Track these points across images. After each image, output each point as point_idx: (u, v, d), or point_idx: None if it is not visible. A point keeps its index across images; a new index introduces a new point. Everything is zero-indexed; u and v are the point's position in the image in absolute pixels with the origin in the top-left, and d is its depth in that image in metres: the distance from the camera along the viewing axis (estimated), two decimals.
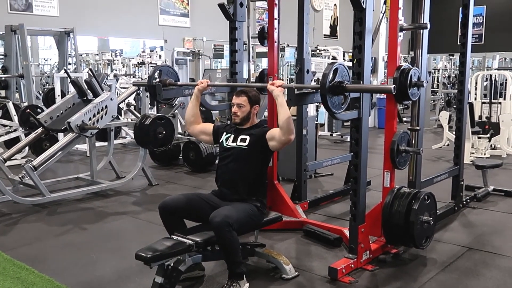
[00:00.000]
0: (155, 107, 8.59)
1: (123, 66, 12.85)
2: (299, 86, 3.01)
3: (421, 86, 3.64)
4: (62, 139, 5.30)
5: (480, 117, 8.18)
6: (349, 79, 2.94)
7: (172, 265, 3.01)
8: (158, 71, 3.78)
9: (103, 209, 5.04)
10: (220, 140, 3.47)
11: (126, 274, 3.42)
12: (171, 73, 3.84)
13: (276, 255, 3.47)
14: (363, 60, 3.32)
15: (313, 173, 6.37)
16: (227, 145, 3.41)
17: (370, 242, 3.77)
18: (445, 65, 15.32)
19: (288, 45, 14.59)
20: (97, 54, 12.02)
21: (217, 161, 4.99)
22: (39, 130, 5.57)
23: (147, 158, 7.01)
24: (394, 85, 2.80)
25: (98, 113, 5.31)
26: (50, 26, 10.57)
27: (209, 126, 3.63)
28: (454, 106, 11.40)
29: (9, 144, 7.44)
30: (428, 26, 3.69)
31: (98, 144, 7.65)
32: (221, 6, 3.92)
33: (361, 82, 3.33)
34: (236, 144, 3.36)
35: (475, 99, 8.45)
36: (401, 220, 3.55)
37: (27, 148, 7.05)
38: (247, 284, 3.18)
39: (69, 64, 10.71)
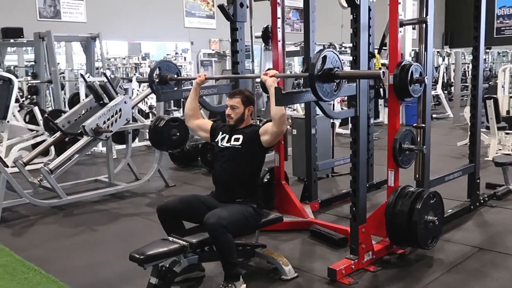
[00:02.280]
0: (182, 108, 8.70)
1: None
2: (284, 75, 2.99)
3: (423, 82, 3.55)
4: (77, 142, 5.42)
5: (508, 112, 7.89)
6: (340, 65, 2.89)
7: (167, 266, 3.04)
8: (158, 68, 3.83)
9: (117, 210, 5.14)
10: (216, 140, 3.48)
11: (129, 276, 3.47)
12: (171, 68, 3.88)
13: (276, 256, 3.46)
14: (358, 57, 3.26)
15: (330, 172, 6.31)
16: (222, 145, 3.42)
17: (375, 242, 3.71)
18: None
19: (315, 43, 14.51)
20: (124, 58, 12.23)
21: None
22: (57, 134, 5.73)
23: (167, 160, 7.15)
24: (382, 71, 2.75)
25: (112, 116, 5.41)
26: (78, 32, 10.84)
27: (207, 123, 3.63)
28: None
29: (36, 147, 7.68)
30: (429, 20, 3.59)
31: (119, 147, 7.84)
32: (220, 7, 3.93)
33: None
34: (230, 144, 3.37)
35: (503, 93, 8.17)
36: (404, 220, 3.48)
37: (53, 151, 7.29)
38: (244, 285, 3.17)
39: (97, 68, 10.98)
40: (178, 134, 5.57)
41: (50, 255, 3.96)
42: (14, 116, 7.46)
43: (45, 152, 7.06)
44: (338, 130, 9.76)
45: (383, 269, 3.46)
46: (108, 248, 4.11)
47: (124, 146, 7.01)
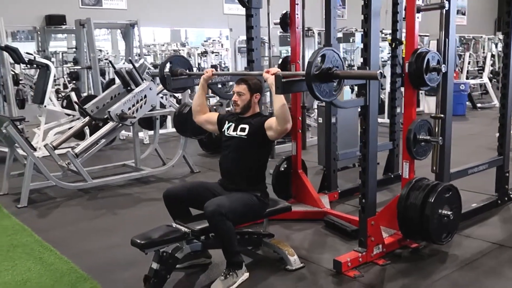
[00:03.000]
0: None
1: (189, 56, 13.18)
2: (285, 74, 2.91)
3: (440, 71, 3.39)
4: (103, 128, 5.55)
5: None
6: (341, 64, 2.79)
7: (170, 252, 3.07)
8: (169, 62, 3.84)
9: (140, 195, 5.24)
10: (223, 129, 3.46)
11: (139, 260, 3.49)
12: (183, 63, 3.88)
13: (282, 245, 3.42)
14: (369, 45, 3.15)
15: (358, 162, 6.18)
16: (228, 134, 3.39)
17: (388, 235, 3.62)
18: None
19: (356, 30, 14.19)
20: (163, 45, 12.39)
21: None
22: (86, 119, 5.88)
23: (196, 146, 7.22)
24: (380, 71, 2.63)
25: (137, 102, 5.50)
26: (119, 19, 11.06)
27: (214, 115, 3.63)
28: None
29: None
30: (447, 6, 3.41)
31: (151, 132, 7.97)
32: None
33: (368, 68, 3.17)
34: (236, 134, 3.34)
35: None
36: (416, 213, 3.36)
37: (88, 136, 7.49)
38: (247, 274, 3.17)
39: (138, 55, 11.17)
40: None
41: (68, 237, 4.08)
42: (51, 101, 7.71)
43: (82, 136, 7.27)
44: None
45: (393, 263, 3.37)
46: (125, 232, 4.17)
47: (161, 131, 7.13)
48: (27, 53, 7.36)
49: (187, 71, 3.94)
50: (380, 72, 2.61)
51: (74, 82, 10.56)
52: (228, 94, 5.17)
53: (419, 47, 3.45)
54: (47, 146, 5.53)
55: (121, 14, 11.78)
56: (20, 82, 9.45)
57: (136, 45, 10.69)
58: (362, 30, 3.16)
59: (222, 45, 11.96)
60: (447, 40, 3.64)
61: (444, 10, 3.50)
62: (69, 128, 7.78)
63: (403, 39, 4.85)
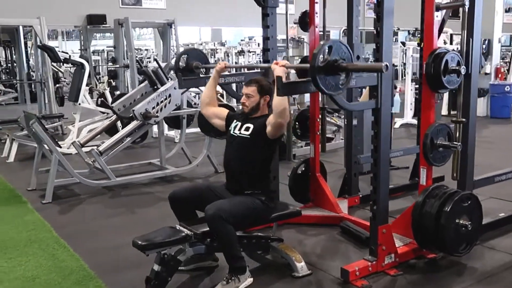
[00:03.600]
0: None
1: (227, 55, 13.21)
2: (290, 66, 2.82)
3: (460, 73, 3.20)
4: (127, 126, 5.61)
5: None
6: (349, 57, 2.68)
7: (172, 254, 3.04)
8: (185, 55, 3.82)
9: (161, 194, 5.25)
10: (229, 128, 3.40)
11: (146, 260, 3.49)
12: (198, 55, 3.85)
13: (290, 251, 3.33)
14: (381, 46, 3.00)
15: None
16: (233, 133, 3.33)
17: (403, 244, 3.46)
18: None
19: (398, 29, 13.83)
20: (201, 44, 12.47)
21: None
22: (113, 117, 5.97)
23: (221, 146, 7.18)
24: (385, 63, 2.51)
25: (162, 101, 5.52)
26: (158, 19, 11.19)
27: (223, 111, 3.54)
28: None
29: (108, 129, 8.08)
30: (467, 3, 3.22)
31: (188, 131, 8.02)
32: None
33: None
34: (240, 133, 3.27)
35: None
36: (431, 222, 3.19)
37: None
38: (250, 279, 3.09)
39: (175, 54, 11.28)
40: None
41: (83, 234, 4.13)
42: (85, 98, 7.88)
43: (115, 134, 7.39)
44: (409, 120, 9.27)
45: (405, 274, 3.21)
46: (140, 231, 4.12)
47: (192, 130, 7.16)
48: (62, 51, 7.56)
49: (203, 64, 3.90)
50: (386, 65, 2.50)
51: (112, 80, 10.80)
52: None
53: (439, 47, 3.28)
54: (75, 144, 5.64)
55: (160, 13, 11.93)
56: (64, 80, 9.75)
57: (173, 44, 10.79)
58: (374, 29, 3.02)
59: (258, 44, 11.90)
60: (470, 39, 3.45)
61: (467, 8, 3.30)
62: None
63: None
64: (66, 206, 4.92)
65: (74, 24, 11.67)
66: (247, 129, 3.24)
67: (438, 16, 3.25)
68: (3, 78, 14.33)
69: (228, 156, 3.34)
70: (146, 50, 17.25)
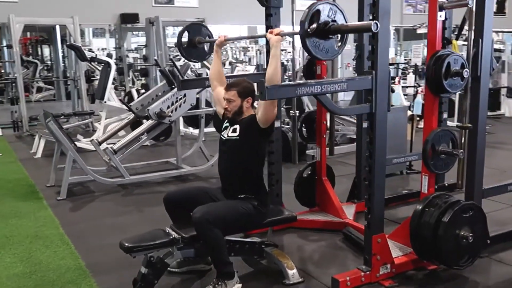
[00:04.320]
0: None
1: (259, 53, 13.16)
2: (288, 33, 2.78)
3: (463, 76, 3.04)
4: (141, 125, 5.66)
5: None
6: (342, 18, 2.61)
7: (161, 256, 3.02)
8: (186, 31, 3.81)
9: None
10: (222, 128, 3.34)
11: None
12: (200, 30, 3.82)
13: (282, 257, 3.26)
14: (376, 47, 2.88)
15: (406, 169, 5.81)
16: (223, 136, 3.28)
17: (403, 254, 3.33)
18: None
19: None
20: (233, 42, 12.47)
21: None
22: (131, 116, 6.04)
23: None
24: (375, 22, 2.42)
25: (176, 101, 5.54)
26: (190, 17, 11.28)
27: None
28: None
29: (133, 127, 8.20)
30: (470, 3, 3.04)
31: (206, 130, 8.04)
32: None
33: (375, 72, 2.90)
34: (228, 136, 3.22)
35: None
36: (429, 232, 3.05)
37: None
38: (239, 285, 3.04)
39: None
40: None
41: (88, 232, 4.19)
42: (112, 96, 8.02)
43: None
44: None
45: (401, 285, 3.09)
46: (144, 230, 4.20)
47: (206, 129, 7.18)
48: (89, 50, 7.71)
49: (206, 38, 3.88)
50: (376, 23, 2.42)
51: (143, 78, 10.96)
52: None
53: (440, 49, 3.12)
54: (93, 141, 5.75)
55: (192, 11, 11.99)
56: (97, 77, 9.96)
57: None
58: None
59: (289, 42, 11.77)
60: (480, 40, 3.27)
61: (474, 8, 3.13)
62: (132, 125, 8.10)
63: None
64: (78, 203, 5.01)
65: (108, 23, 11.91)
66: (234, 130, 3.20)
67: (441, 16, 3.09)
68: (44, 75, 14.80)
69: (220, 160, 3.30)
70: (171, 47, 17.42)
